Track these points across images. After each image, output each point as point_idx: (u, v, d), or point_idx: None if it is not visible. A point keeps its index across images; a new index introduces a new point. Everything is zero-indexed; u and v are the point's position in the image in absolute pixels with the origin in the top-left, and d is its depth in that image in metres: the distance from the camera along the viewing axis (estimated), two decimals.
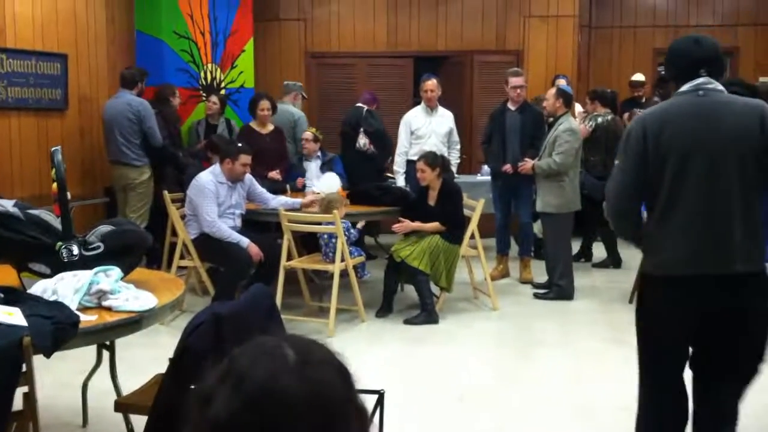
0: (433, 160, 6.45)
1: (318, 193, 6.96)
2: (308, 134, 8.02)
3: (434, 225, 6.39)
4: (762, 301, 3.11)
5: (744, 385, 3.22)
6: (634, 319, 3.35)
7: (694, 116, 3.07)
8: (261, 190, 6.60)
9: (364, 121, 8.38)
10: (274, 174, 7.62)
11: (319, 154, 8.07)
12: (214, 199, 6.13)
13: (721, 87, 3.15)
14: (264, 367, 1.16)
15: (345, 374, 1.23)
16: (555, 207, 6.97)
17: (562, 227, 7.04)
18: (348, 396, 1.22)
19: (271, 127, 7.89)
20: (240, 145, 6.45)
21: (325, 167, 7.98)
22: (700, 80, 3.12)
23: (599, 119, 8.06)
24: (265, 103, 7.80)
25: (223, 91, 9.17)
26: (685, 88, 3.15)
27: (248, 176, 6.41)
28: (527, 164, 7.14)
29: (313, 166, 7.98)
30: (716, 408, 3.26)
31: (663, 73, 10.71)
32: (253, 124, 7.87)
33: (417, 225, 6.43)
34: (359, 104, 8.65)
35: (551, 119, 7.26)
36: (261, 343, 1.22)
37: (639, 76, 10.00)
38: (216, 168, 6.30)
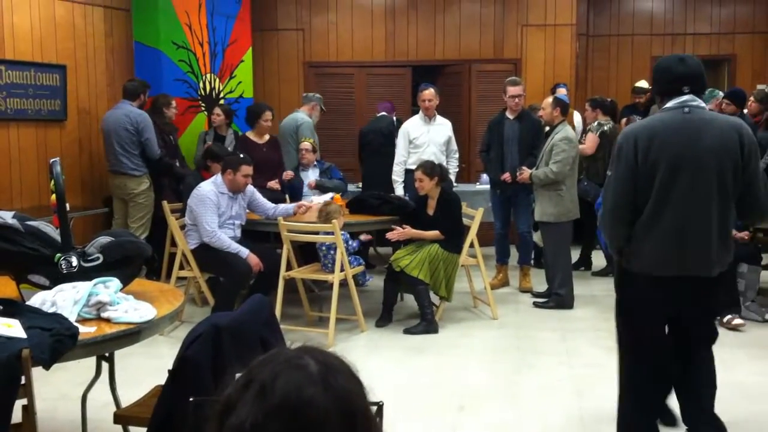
0: (431, 169, 6.45)
1: (312, 203, 6.98)
2: (307, 144, 8.04)
3: (434, 233, 6.40)
4: (724, 290, 3.90)
5: (711, 345, 3.82)
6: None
7: (681, 132, 3.37)
8: (262, 201, 6.60)
9: (396, 129, 8.41)
10: (273, 184, 7.63)
11: (315, 162, 8.12)
12: (215, 210, 6.13)
13: (703, 104, 3.47)
14: (288, 379, 1.18)
15: (361, 383, 1.27)
16: (553, 216, 6.97)
17: (561, 236, 7.04)
18: (367, 404, 1.25)
19: (267, 137, 7.90)
20: (242, 156, 6.46)
21: (323, 175, 8.02)
22: (685, 98, 3.42)
23: (605, 127, 8.12)
24: (269, 115, 7.82)
25: (221, 101, 9.18)
26: (670, 104, 3.45)
27: (249, 187, 6.42)
28: (525, 173, 7.15)
29: (310, 175, 8.02)
30: (697, 370, 3.80)
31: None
32: (250, 134, 7.86)
33: (417, 233, 6.43)
34: (383, 113, 8.70)
35: (548, 128, 7.28)
36: (281, 354, 1.24)
37: (643, 83, 10.00)
38: (217, 178, 6.31)
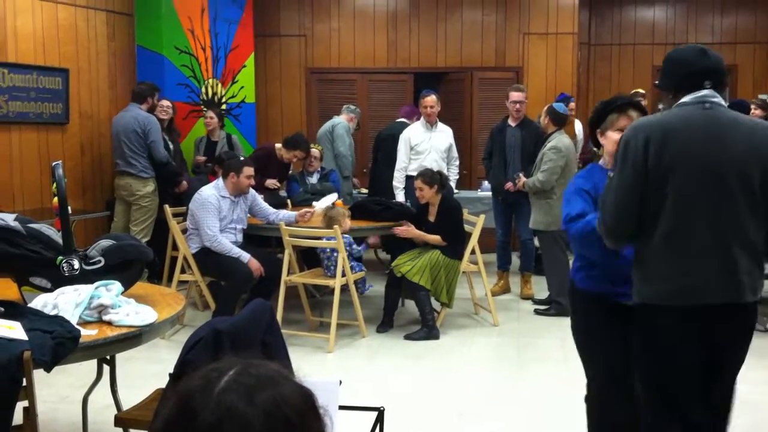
0: (430, 178, 6.44)
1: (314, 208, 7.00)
2: (316, 152, 8.11)
3: (436, 237, 6.40)
4: (748, 330, 3.05)
5: (727, 413, 3.15)
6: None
7: (702, 131, 2.83)
8: (264, 206, 6.60)
9: None
10: (271, 182, 7.63)
11: (318, 169, 8.20)
12: (216, 214, 6.14)
13: (724, 102, 2.95)
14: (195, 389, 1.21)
15: (304, 401, 1.24)
16: (543, 224, 7.01)
17: (553, 244, 7.05)
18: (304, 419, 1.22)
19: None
20: (243, 158, 6.47)
21: (323, 179, 8.12)
22: (705, 92, 2.90)
23: None
24: (300, 154, 7.86)
25: (223, 106, 9.19)
26: (687, 99, 2.92)
27: (252, 191, 6.43)
28: (521, 180, 7.19)
29: (314, 180, 8.12)
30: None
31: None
32: (279, 147, 7.88)
33: (420, 234, 6.42)
34: (402, 119, 8.71)
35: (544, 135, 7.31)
36: (207, 369, 1.26)
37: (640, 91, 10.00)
38: (219, 182, 6.31)
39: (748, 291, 2.89)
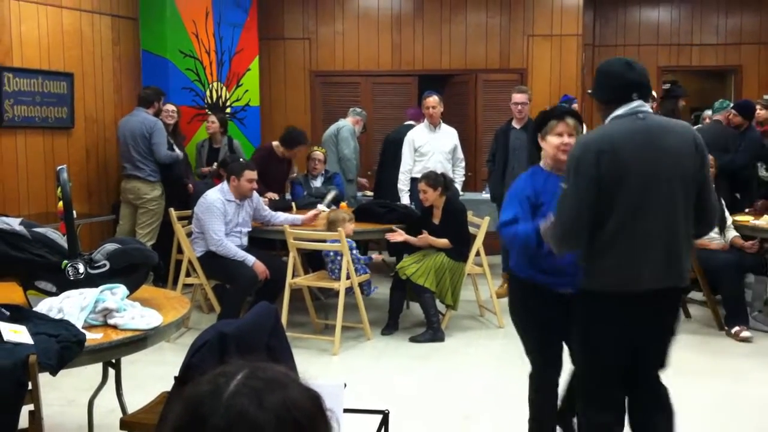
0: (434, 180, 6.43)
1: (322, 210, 7.00)
2: (319, 154, 8.10)
3: (443, 241, 6.38)
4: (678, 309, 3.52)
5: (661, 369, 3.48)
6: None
7: (643, 140, 3.15)
8: (266, 212, 6.60)
9: None
10: (271, 195, 7.60)
11: (322, 172, 8.19)
12: (222, 218, 6.14)
13: (650, 109, 3.28)
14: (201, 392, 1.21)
15: (311, 403, 1.24)
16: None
17: None
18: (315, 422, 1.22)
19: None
20: (244, 162, 6.46)
21: (327, 183, 8.12)
22: (635, 104, 3.21)
23: None
24: (302, 149, 7.91)
25: (228, 110, 9.20)
26: (621, 111, 3.22)
27: (255, 194, 6.43)
28: None
29: (318, 183, 8.13)
30: (652, 394, 3.46)
31: (666, 88, 10.73)
32: (277, 147, 7.86)
33: (432, 240, 6.40)
34: (410, 122, 8.71)
35: None
36: (214, 373, 1.25)
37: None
38: (224, 186, 6.32)
39: (685, 276, 3.30)
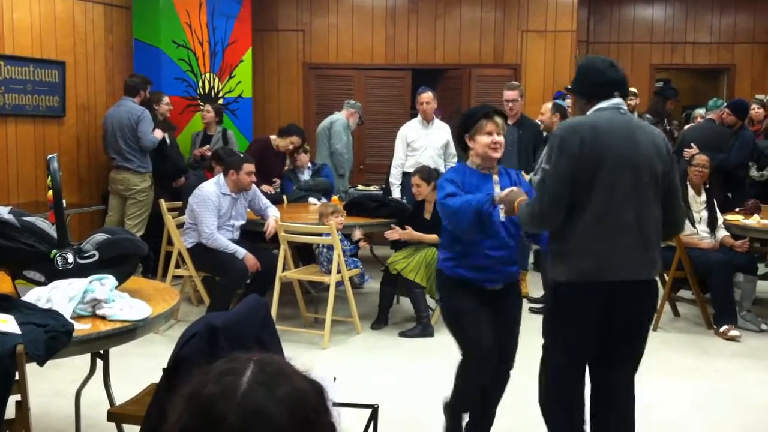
0: (428, 174, 6.44)
1: (312, 204, 7.00)
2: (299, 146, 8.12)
3: (433, 237, 6.38)
4: (654, 302, 3.53)
5: (634, 372, 3.51)
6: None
7: (623, 131, 3.28)
8: (264, 204, 6.56)
9: None
10: (267, 188, 7.60)
11: (309, 165, 8.21)
12: (215, 211, 6.12)
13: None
14: (214, 386, 1.20)
15: (314, 394, 1.25)
16: None
17: None
18: (320, 416, 1.23)
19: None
20: (243, 155, 6.44)
21: (315, 175, 8.19)
22: (617, 100, 3.37)
23: None
24: (296, 140, 7.91)
25: (221, 101, 9.17)
26: (605, 105, 3.35)
27: (254, 187, 6.41)
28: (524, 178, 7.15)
29: (306, 176, 8.17)
30: (612, 397, 3.52)
31: (659, 86, 10.75)
32: (275, 139, 7.91)
33: (418, 235, 6.41)
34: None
35: (546, 133, 7.26)
36: (220, 365, 1.25)
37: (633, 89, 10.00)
38: (220, 179, 6.29)
39: (657, 266, 3.37)
